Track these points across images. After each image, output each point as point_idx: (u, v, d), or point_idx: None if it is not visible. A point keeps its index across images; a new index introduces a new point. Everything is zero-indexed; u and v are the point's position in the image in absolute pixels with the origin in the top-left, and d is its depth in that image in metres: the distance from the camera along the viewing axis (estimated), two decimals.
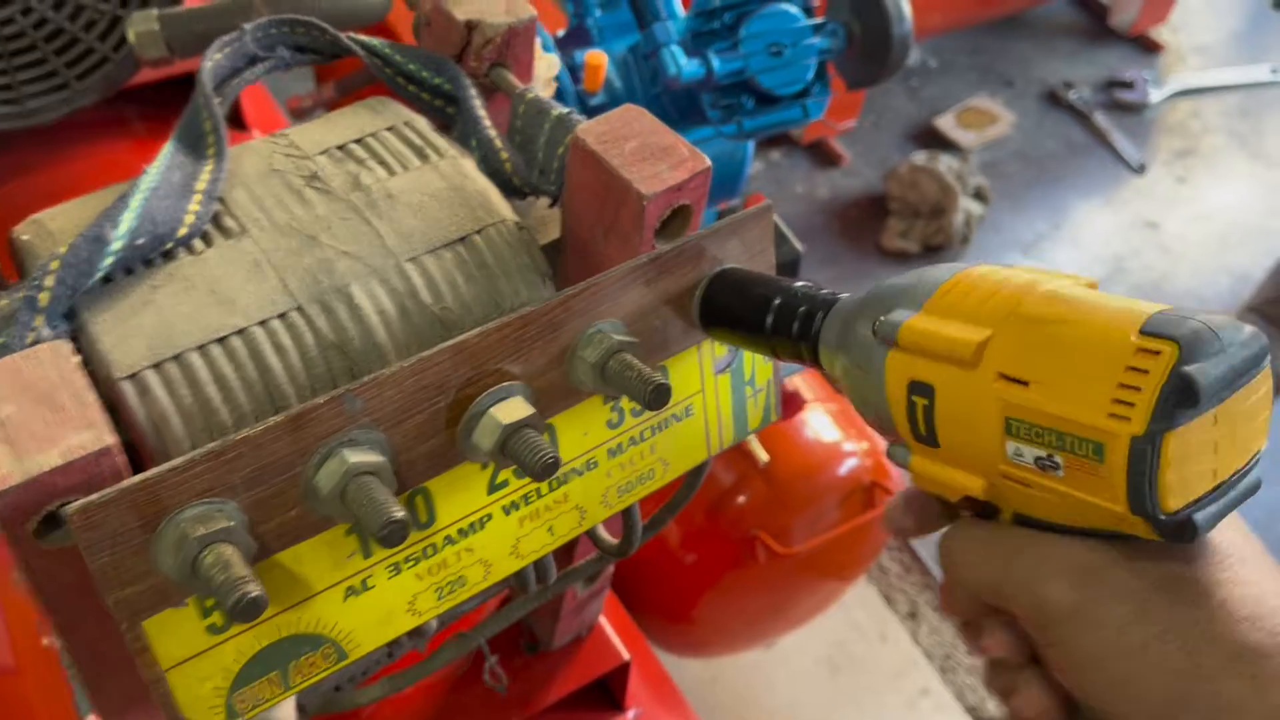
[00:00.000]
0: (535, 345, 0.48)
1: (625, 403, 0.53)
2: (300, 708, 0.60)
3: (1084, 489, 0.37)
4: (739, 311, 0.50)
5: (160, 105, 1.20)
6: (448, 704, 0.77)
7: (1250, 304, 2.12)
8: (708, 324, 0.52)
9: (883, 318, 0.42)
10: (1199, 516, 0.36)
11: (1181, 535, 0.36)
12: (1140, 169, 2.45)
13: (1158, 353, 0.35)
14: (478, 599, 0.55)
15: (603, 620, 0.83)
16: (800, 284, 0.49)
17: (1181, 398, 0.34)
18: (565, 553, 0.70)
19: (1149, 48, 2.74)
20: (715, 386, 0.56)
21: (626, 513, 0.59)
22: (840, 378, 0.46)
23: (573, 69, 1.13)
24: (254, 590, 0.38)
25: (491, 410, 0.46)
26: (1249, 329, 0.36)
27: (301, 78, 1.91)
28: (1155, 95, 2.60)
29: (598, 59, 1.10)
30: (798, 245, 1.21)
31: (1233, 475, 0.37)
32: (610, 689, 0.88)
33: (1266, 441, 0.38)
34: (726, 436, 0.58)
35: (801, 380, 1.27)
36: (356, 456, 0.43)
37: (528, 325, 0.47)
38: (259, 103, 1.39)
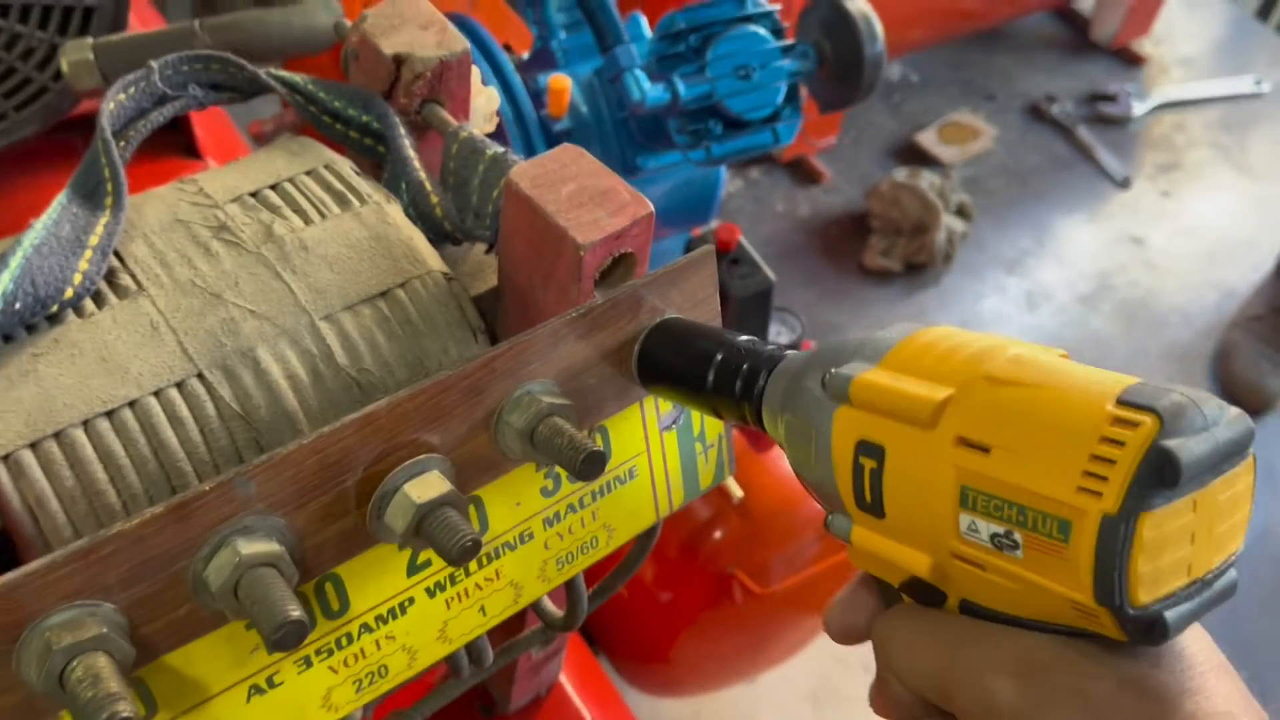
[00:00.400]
0: (455, 412, 0.44)
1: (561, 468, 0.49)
2: None
3: (1044, 573, 0.33)
4: (679, 368, 0.47)
5: None
6: None
7: (1235, 320, 2.09)
8: (646, 380, 0.48)
9: (834, 370, 0.39)
10: (1170, 615, 0.32)
11: (1150, 635, 0.32)
12: (1124, 183, 2.42)
13: (1136, 424, 0.31)
14: (395, 690, 0.51)
15: (563, 679, 0.79)
16: (744, 338, 0.45)
17: (1161, 475, 0.31)
18: (518, 618, 0.66)
19: (1131, 60, 2.71)
20: (661, 445, 0.52)
21: (570, 584, 0.54)
22: (783, 440, 0.42)
23: (536, 94, 1.09)
24: (124, 710, 0.34)
25: (405, 488, 0.42)
26: (1234, 410, 0.32)
27: (268, 100, 1.87)
28: (1139, 108, 2.58)
29: (562, 83, 1.06)
30: (770, 274, 1.17)
31: (1207, 573, 0.33)
32: None
33: (1243, 544, 0.34)
34: (676, 498, 0.54)
35: None
36: (251, 547, 0.39)
37: (446, 391, 0.43)
38: (216, 128, 1.35)
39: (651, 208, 0.51)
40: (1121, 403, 0.32)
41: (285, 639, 0.37)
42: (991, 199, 2.33)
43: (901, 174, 2.16)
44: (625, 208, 0.49)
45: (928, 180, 2.14)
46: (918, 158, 2.36)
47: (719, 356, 0.45)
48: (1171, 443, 0.31)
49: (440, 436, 0.44)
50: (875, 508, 0.38)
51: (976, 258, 2.21)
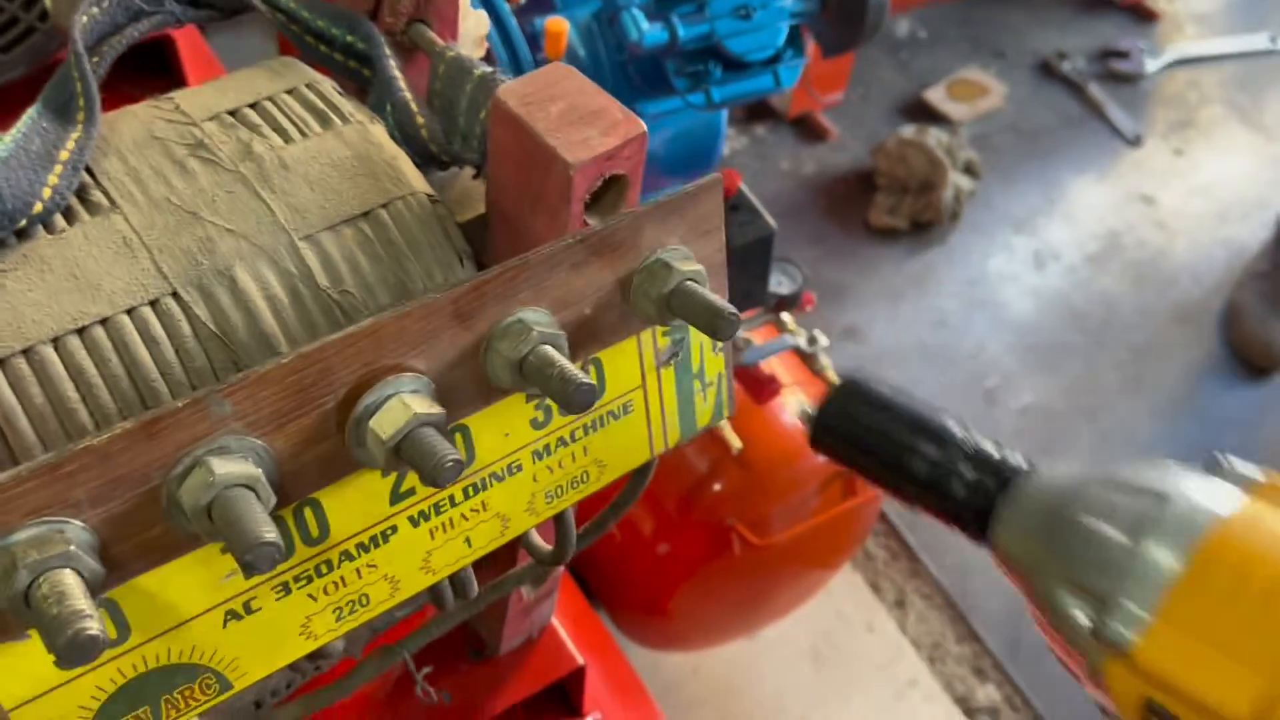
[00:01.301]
0: (442, 336, 0.42)
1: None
2: None
3: None
4: (875, 445, 0.42)
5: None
6: (387, 716, 0.72)
7: (1241, 278, 2.06)
8: (821, 441, 0.44)
9: (1106, 619, 0.32)
10: None
11: None
12: (1136, 141, 2.38)
13: None
14: (386, 617, 0.50)
15: (555, 622, 0.78)
16: (954, 426, 0.41)
17: None
18: (508, 553, 0.64)
19: (1145, 16, 2.66)
20: (659, 381, 0.51)
21: (559, 518, 0.53)
22: (1031, 588, 0.37)
23: (533, 36, 1.06)
24: (90, 628, 0.33)
25: (386, 405, 0.40)
26: None
27: (265, 45, 1.84)
28: (1151, 65, 2.53)
29: (559, 25, 1.03)
30: (770, 222, 1.15)
31: None
32: (567, 693, 0.83)
33: None
34: (672, 435, 0.52)
35: (778, 362, 1.21)
36: (225, 468, 0.37)
37: (433, 314, 0.41)
38: (207, 74, 1.33)
39: (644, 127, 0.49)
40: None
41: (257, 561, 0.35)
42: (1000, 157, 2.29)
43: (909, 131, 2.12)
44: (617, 126, 0.47)
45: (935, 137, 2.11)
46: (926, 115, 2.32)
47: (933, 449, 0.40)
48: None
49: (426, 362, 0.42)
50: None
51: (984, 216, 2.18)
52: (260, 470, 0.38)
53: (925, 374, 1.93)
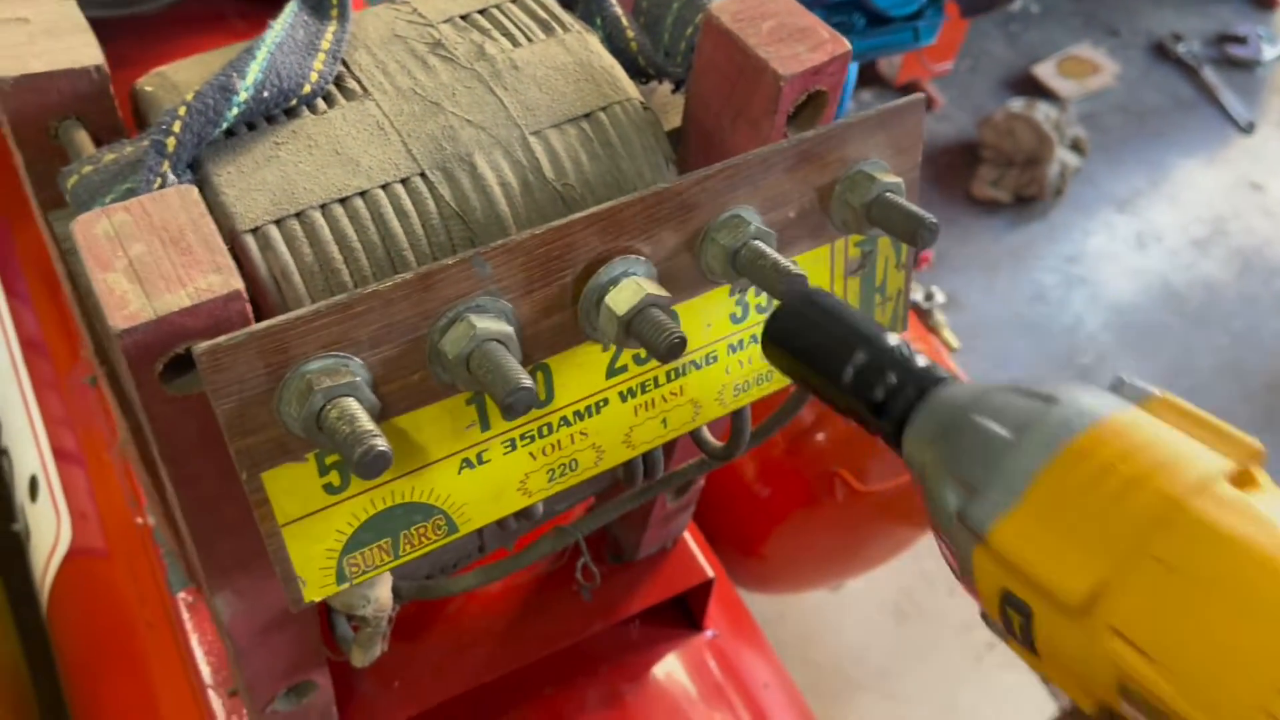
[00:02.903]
0: (667, 225, 0.46)
1: (751, 296, 0.51)
2: (395, 593, 0.60)
3: None
4: (815, 349, 0.42)
5: (260, 2, 1.19)
6: (531, 605, 0.77)
7: None
8: (770, 346, 0.44)
9: (971, 503, 0.33)
10: None
11: None
12: (1249, 128, 2.34)
13: None
14: (585, 487, 0.54)
15: (687, 536, 0.82)
16: (894, 340, 0.41)
17: None
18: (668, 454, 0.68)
19: (1264, 3, 2.60)
20: (844, 289, 0.54)
21: (737, 414, 0.57)
22: (922, 485, 0.37)
23: None
24: (380, 444, 0.37)
25: (622, 284, 0.44)
26: None
27: None
28: (1269, 52, 2.48)
29: None
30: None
31: None
32: (689, 608, 0.87)
33: None
34: None
35: None
36: (484, 323, 0.41)
37: (662, 203, 0.45)
38: None
39: (849, 46, 0.52)
40: None
41: (516, 404, 0.40)
42: (1107, 136, 2.27)
43: (1017, 104, 2.11)
44: (824, 44, 0.50)
45: (1044, 112, 2.09)
46: (1034, 90, 2.30)
47: (863, 355, 0.40)
48: None
49: (651, 247, 0.46)
50: (1028, 646, 0.33)
51: (1087, 194, 2.16)
52: (512, 329, 0.42)
53: (1020, 346, 1.93)
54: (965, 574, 0.35)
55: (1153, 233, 2.12)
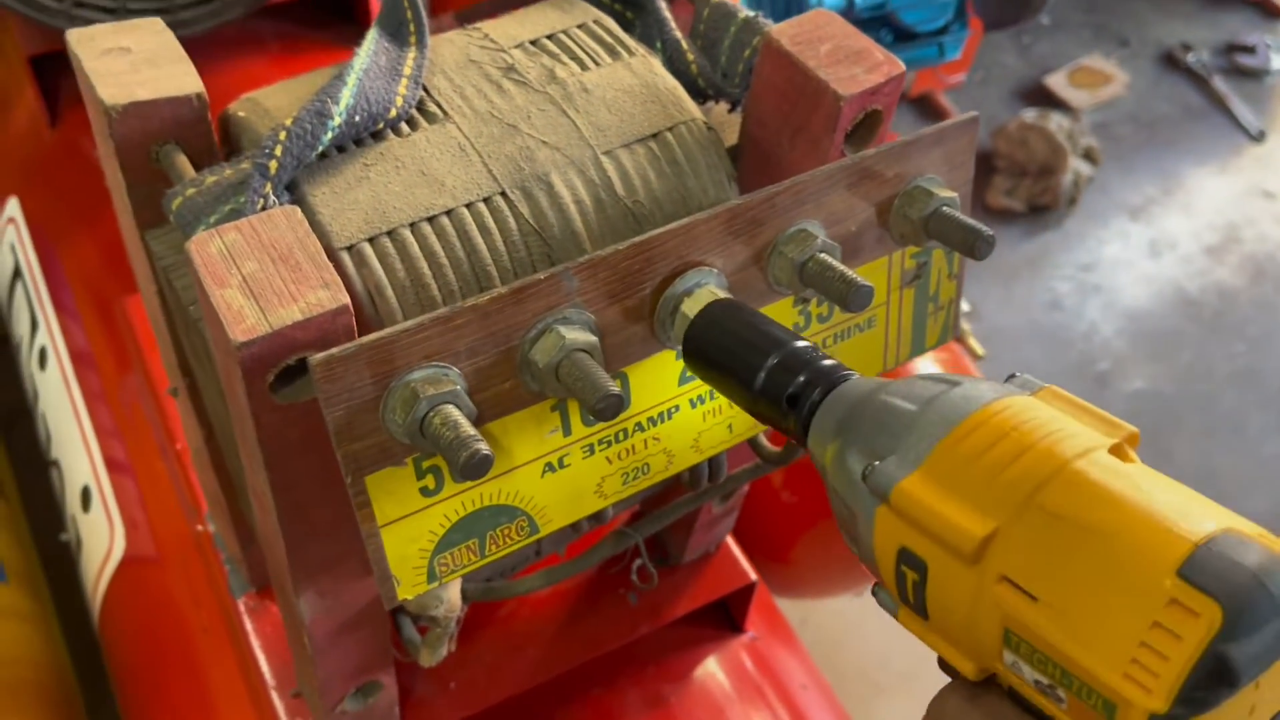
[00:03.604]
0: (739, 240, 0.48)
1: (814, 307, 0.53)
2: (463, 594, 0.62)
3: None
4: (728, 356, 0.44)
5: (297, 22, 1.22)
6: (580, 609, 0.79)
7: None
8: (690, 355, 0.45)
9: (876, 464, 0.36)
10: None
11: None
12: (1259, 137, 2.36)
13: (1196, 614, 0.29)
14: (653, 490, 0.56)
15: (729, 540, 0.84)
16: (804, 344, 0.43)
17: (1218, 679, 0.28)
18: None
19: (1272, 12, 2.62)
20: (900, 299, 0.56)
21: None
22: (826, 477, 0.40)
23: None
24: (484, 449, 0.40)
25: (696, 293, 0.46)
26: None
27: None
28: (1278, 61, 2.50)
29: None
30: None
31: None
32: (730, 611, 0.89)
33: None
34: (904, 351, 0.58)
35: None
36: (572, 334, 0.44)
37: (735, 218, 0.47)
38: None
39: (904, 67, 0.55)
40: (1183, 578, 0.29)
41: (607, 409, 0.42)
42: (1119, 145, 2.30)
43: (1030, 115, 2.14)
44: (880, 66, 0.53)
45: (1057, 123, 2.12)
46: (1046, 100, 2.33)
47: (774, 359, 0.42)
48: (1232, 648, 0.28)
49: (724, 261, 0.48)
50: (919, 609, 0.36)
51: (1101, 202, 2.19)
52: (596, 339, 0.45)
53: (1037, 354, 1.95)
54: (865, 543, 0.37)
55: (1166, 240, 2.15)
